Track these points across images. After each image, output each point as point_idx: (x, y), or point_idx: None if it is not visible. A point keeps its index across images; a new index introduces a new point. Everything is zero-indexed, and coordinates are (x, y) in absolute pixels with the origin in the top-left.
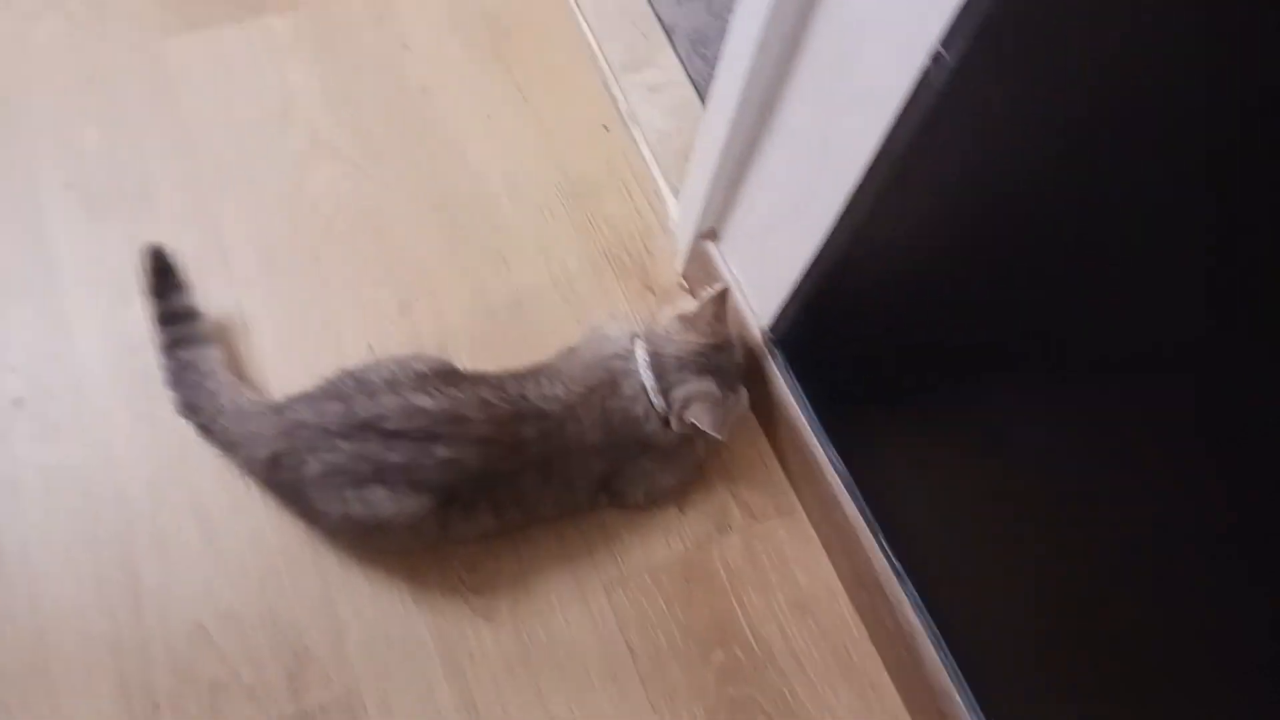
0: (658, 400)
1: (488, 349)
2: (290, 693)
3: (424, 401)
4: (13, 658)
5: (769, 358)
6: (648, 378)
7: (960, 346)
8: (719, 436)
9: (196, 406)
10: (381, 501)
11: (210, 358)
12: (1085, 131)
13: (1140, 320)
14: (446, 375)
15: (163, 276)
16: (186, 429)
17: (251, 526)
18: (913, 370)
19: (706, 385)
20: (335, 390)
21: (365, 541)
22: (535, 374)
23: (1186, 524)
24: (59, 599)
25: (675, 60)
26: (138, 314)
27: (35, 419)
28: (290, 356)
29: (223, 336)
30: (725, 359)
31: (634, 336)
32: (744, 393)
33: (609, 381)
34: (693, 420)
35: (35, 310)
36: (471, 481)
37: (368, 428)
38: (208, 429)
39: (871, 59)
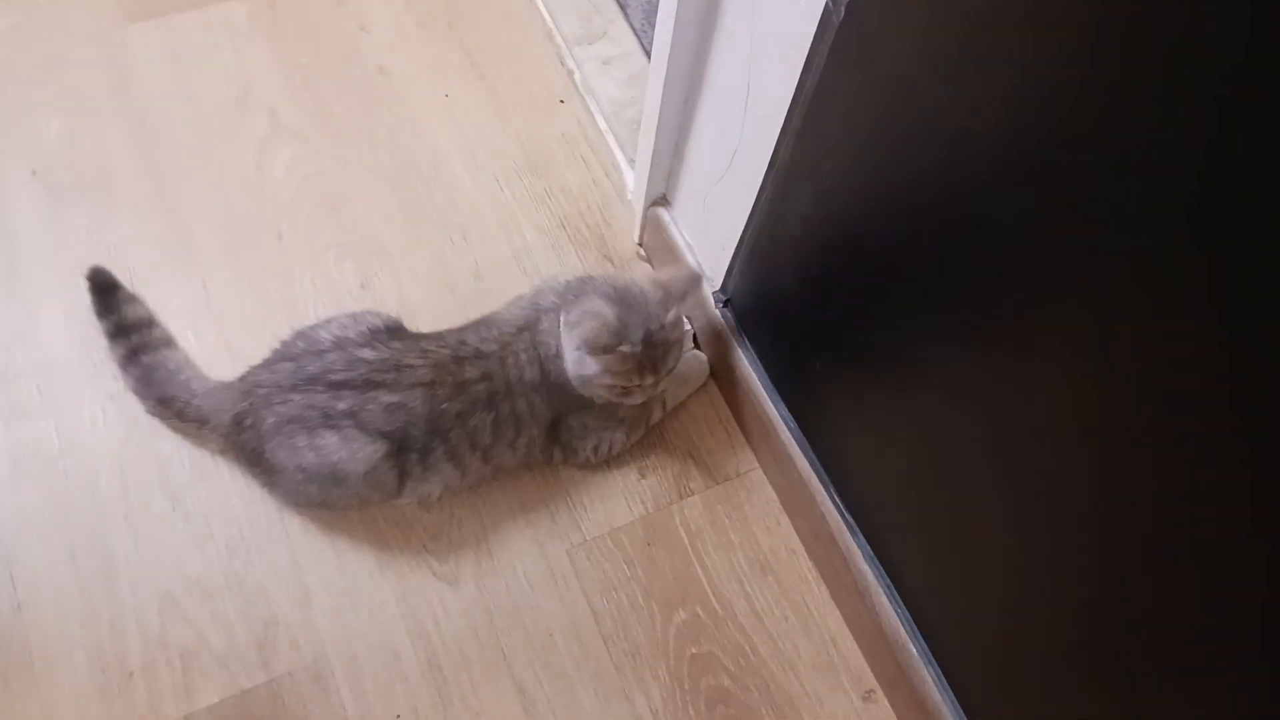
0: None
1: (448, 321)
2: (260, 659)
3: (366, 353)
4: None
5: (722, 319)
6: (563, 313)
7: (886, 291)
8: (590, 366)
9: (169, 398)
10: (332, 447)
11: (175, 357)
12: (978, 58)
13: (1062, 252)
14: (393, 331)
15: (108, 293)
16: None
17: (218, 499)
18: (847, 320)
19: (598, 306)
20: (286, 351)
21: (327, 500)
22: (477, 324)
23: (1131, 458)
24: (35, 574)
25: (629, 32)
26: None
27: (5, 400)
28: (255, 333)
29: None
30: (653, 324)
31: (577, 280)
32: (703, 360)
33: (534, 319)
34: (595, 375)
35: (1, 295)
36: (421, 426)
37: (316, 379)
38: (182, 414)
39: (779, 4)
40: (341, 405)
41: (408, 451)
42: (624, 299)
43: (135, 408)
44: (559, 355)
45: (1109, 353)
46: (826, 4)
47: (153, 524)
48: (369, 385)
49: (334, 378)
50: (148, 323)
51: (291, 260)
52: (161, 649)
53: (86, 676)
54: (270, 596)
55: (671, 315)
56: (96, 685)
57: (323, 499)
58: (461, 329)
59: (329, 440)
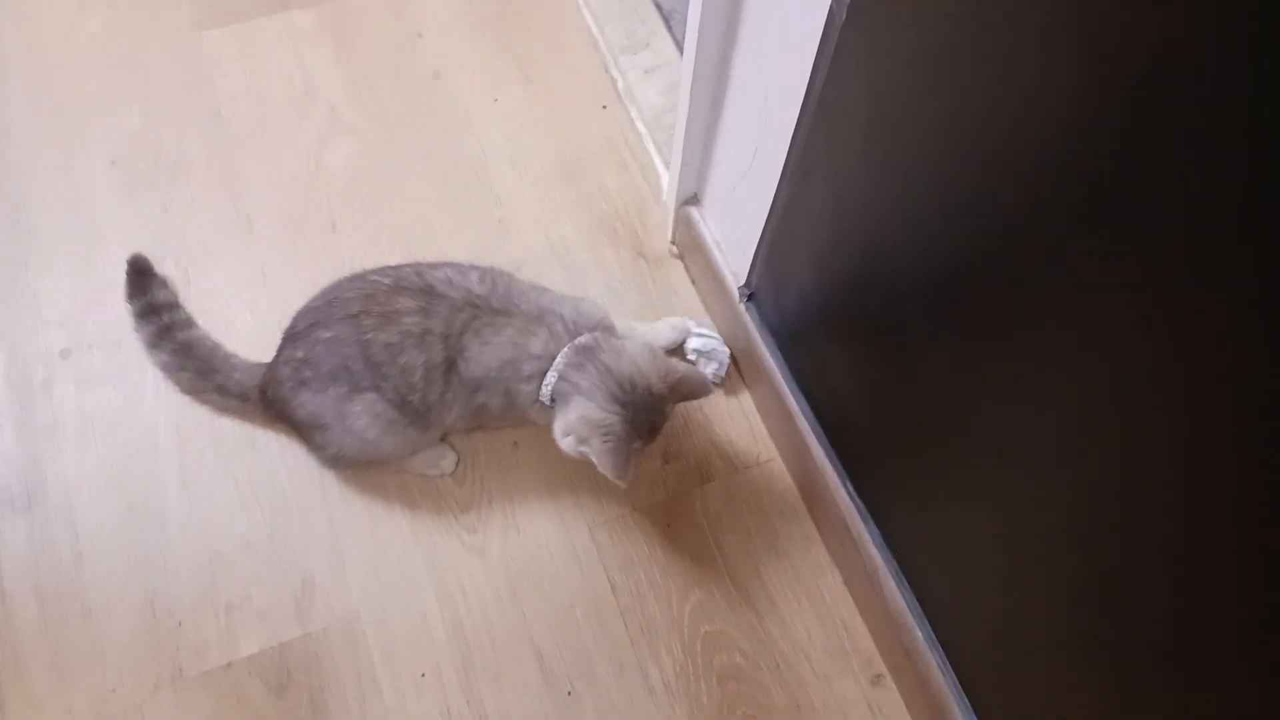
0: (548, 383)
1: None
2: (297, 616)
3: (348, 294)
4: (54, 577)
5: (745, 313)
6: (559, 361)
7: (894, 285)
8: (620, 483)
9: (210, 371)
10: (308, 400)
11: (206, 335)
12: (978, 55)
13: (1066, 245)
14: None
15: (143, 277)
16: None
17: (264, 466)
18: (860, 308)
19: (607, 418)
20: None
21: (341, 451)
22: (468, 268)
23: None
24: (96, 528)
25: (671, 43)
26: (170, 273)
27: (77, 369)
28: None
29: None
30: (653, 408)
31: (590, 331)
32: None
33: (521, 355)
34: (587, 454)
35: (80, 272)
36: (358, 361)
37: (303, 334)
38: (223, 389)
39: (790, 4)
40: (299, 354)
41: (359, 391)
42: (628, 391)
43: None
44: (529, 403)
45: (1106, 347)
46: (831, 5)
47: (204, 486)
48: (313, 326)
49: (306, 326)
50: (175, 305)
51: (344, 248)
52: (208, 601)
53: (138, 623)
54: (309, 558)
55: (670, 408)
56: (146, 631)
57: (346, 452)
58: (439, 265)
59: (304, 396)
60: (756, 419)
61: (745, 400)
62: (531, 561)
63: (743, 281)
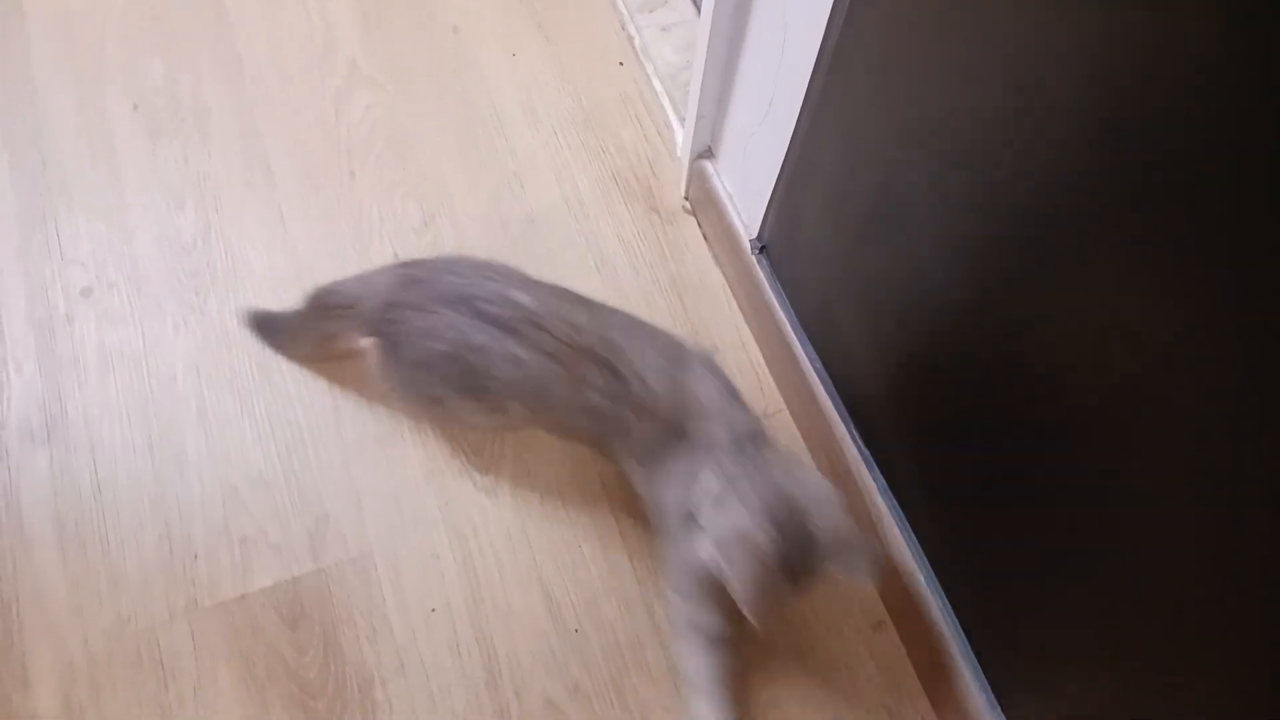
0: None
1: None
2: (310, 551)
3: (520, 297)
4: (74, 508)
5: (757, 266)
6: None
7: (903, 232)
8: (751, 618)
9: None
10: (436, 384)
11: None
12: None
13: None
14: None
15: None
16: (229, 320)
17: (282, 404)
18: (868, 256)
19: (753, 532)
20: (448, 263)
21: (428, 408)
22: (657, 350)
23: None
24: (115, 460)
25: (687, 1)
26: (190, 219)
27: (98, 307)
28: (324, 260)
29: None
30: (807, 553)
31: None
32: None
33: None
34: (722, 570)
35: (102, 215)
36: (530, 388)
37: (465, 301)
38: (324, 301)
39: None
40: (478, 339)
41: (509, 399)
42: (788, 513)
43: (214, 321)
44: (688, 518)
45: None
46: None
47: (222, 423)
48: (507, 331)
49: (483, 307)
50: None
51: (361, 196)
52: (224, 535)
53: (154, 554)
54: (323, 495)
55: (823, 567)
56: (163, 563)
57: (426, 406)
58: (638, 341)
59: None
60: (765, 371)
61: (754, 353)
62: (541, 503)
63: (754, 234)
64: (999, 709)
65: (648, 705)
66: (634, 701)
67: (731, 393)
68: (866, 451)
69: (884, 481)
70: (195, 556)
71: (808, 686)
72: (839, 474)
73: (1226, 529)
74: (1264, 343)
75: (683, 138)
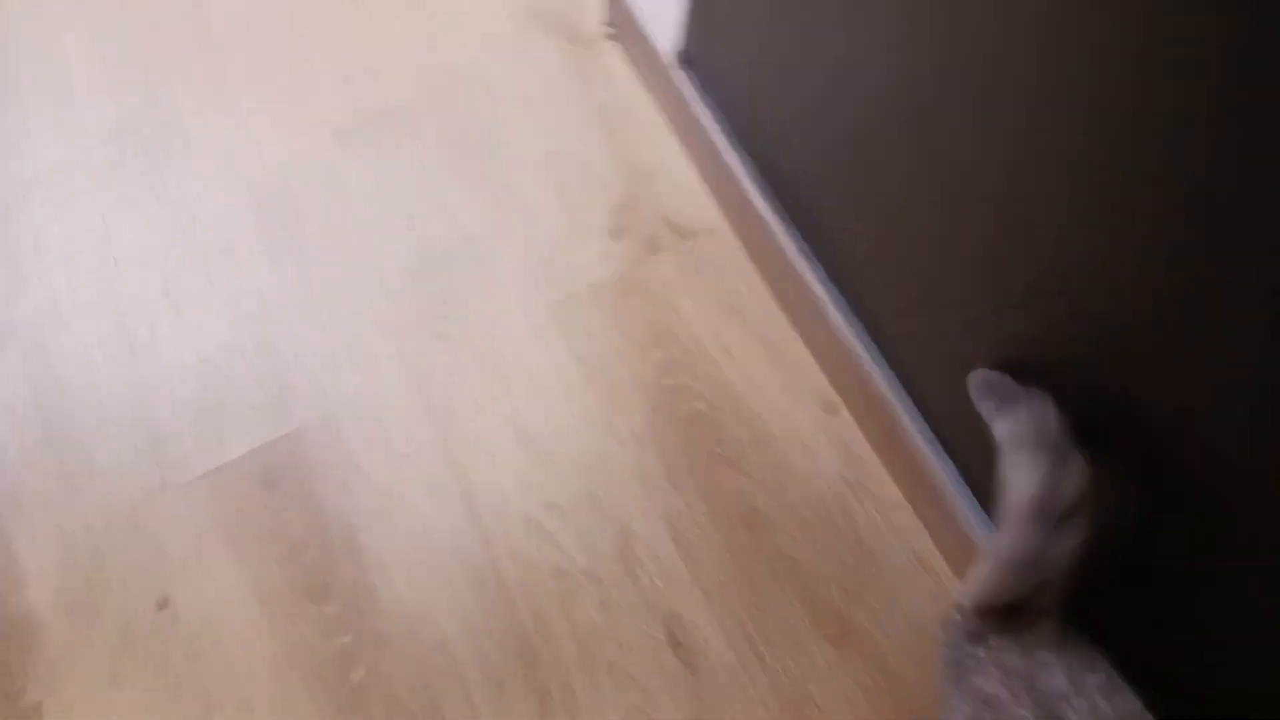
0: None
1: (444, 103)
2: (279, 416)
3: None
4: (48, 399)
5: (682, 80)
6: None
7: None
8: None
9: None
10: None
11: None
12: None
13: None
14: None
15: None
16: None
17: (246, 274)
18: (788, 45)
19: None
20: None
21: None
22: None
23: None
24: (84, 345)
25: None
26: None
27: (53, 196)
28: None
29: None
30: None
31: None
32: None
33: None
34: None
35: (51, 112)
36: None
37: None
38: None
39: None
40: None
41: None
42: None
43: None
44: None
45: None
46: None
47: (187, 297)
48: None
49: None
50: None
51: (306, 51)
52: (194, 409)
53: (128, 436)
54: (286, 363)
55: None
56: (137, 443)
57: None
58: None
59: None
60: (701, 189)
61: (689, 173)
62: (499, 342)
63: (677, 48)
64: (955, 469)
65: (627, 510)
66: (610, 509)
67: None
68: (805, 245)
69: (823, 272)
70: (169, 433)
71: (762, 465)
72: (781, 273)
73: None
74: None
75: None
